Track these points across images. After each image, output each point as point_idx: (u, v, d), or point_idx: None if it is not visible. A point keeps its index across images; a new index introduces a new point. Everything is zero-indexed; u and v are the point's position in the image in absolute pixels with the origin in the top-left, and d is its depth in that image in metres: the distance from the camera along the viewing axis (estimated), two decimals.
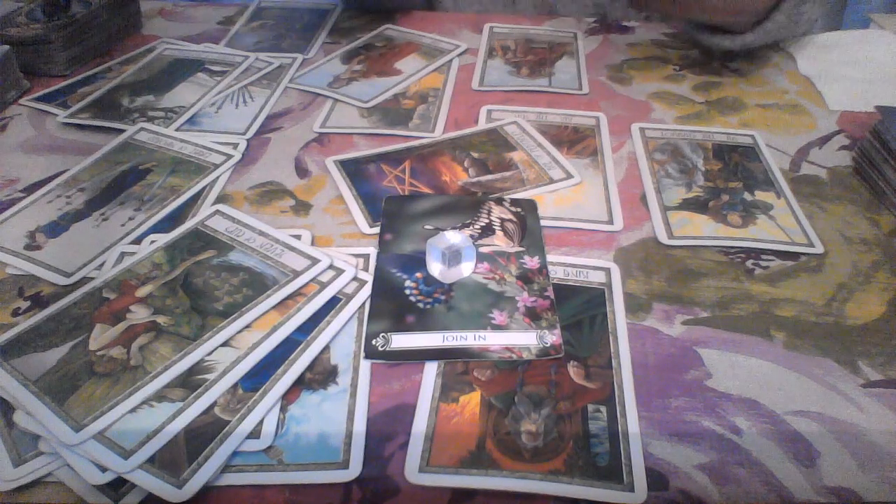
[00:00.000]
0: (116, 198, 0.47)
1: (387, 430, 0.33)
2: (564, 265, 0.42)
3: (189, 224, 0.44)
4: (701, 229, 0.45)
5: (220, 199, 0.47)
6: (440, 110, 0.58)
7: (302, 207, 0.47)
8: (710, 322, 0.39)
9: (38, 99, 0.59)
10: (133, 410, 0.32)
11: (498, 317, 0.38)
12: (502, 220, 0.45)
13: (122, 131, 0.54)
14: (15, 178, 0.50)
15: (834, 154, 0.53)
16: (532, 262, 0.41)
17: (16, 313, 0.39)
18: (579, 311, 0.39)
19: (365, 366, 0.36)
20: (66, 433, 0.31)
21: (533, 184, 0.49)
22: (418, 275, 0.41)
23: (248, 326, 0.37)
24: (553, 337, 0.37)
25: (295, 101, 0.59)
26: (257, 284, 0.39)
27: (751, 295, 0.41)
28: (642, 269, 0.42)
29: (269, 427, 0.32)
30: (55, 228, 0.45)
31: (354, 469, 0.31)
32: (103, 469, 0.30)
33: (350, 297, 0.39)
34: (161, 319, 0.37)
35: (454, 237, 0.43)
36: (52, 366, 0.34)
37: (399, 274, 0.41)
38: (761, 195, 0.48)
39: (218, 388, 0.33)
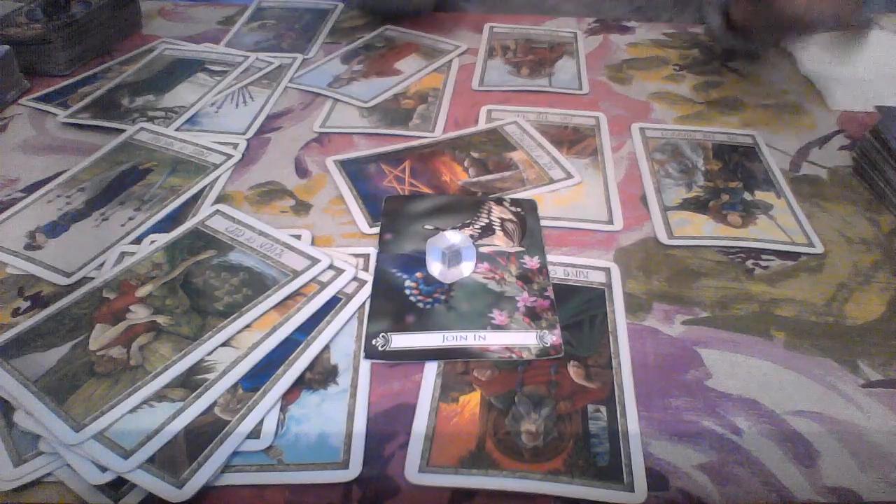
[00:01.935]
0: (116, 198, 0.47)
1: (387, 430, 0.33)
2: (564, 265, 0.42)
3: (189, 224, 0.44)
4: (701, 229, 0.45)
5: (220, 199, 0.47)
6: (440, 110, 0.58)
7: (302, 207, 0.47)
8: (710, 322, 0.39)
9: (38, 99, 0.59)
10: (133, 410, 0.32)
11: (498, 317, 0.38)
12: (502, 220, 0.45)
13: (122, 131, 0.54)
14: (15, 178, 0.50)
15: (834, 154, 0.53)
16: (532, 262, 0.41)
17: (16, 313, 0.39)
18: (579, 311, 0.39)
19: (365, 366, 0.36)
20: (66, 433, 0.31)
21: (533, 184, 0.49)
22: (418, 275, 0.41)
23: (248, 326, 0.37)
24: (553, 337, 0.37)
25: (295, 101, 0.59)
26: (257, 284, 0.39)
27: (751, 295, 0.41)
28: (642, 269, 0.42)
29: (269, 427, 0.32)
30: (55, 228, 0.45)
31: (354, 469, 0.31)
32: (103, 469, 0.30)
33: (350, 297, 0.39)
34: (161, 319, 0.37)
35: (454, 237, 0.43)
36: (52, 366, 0.34)
37: (399, 274, 0.41)
38: (761, 195, 0.48)
39: (218, 388, 0.33)
